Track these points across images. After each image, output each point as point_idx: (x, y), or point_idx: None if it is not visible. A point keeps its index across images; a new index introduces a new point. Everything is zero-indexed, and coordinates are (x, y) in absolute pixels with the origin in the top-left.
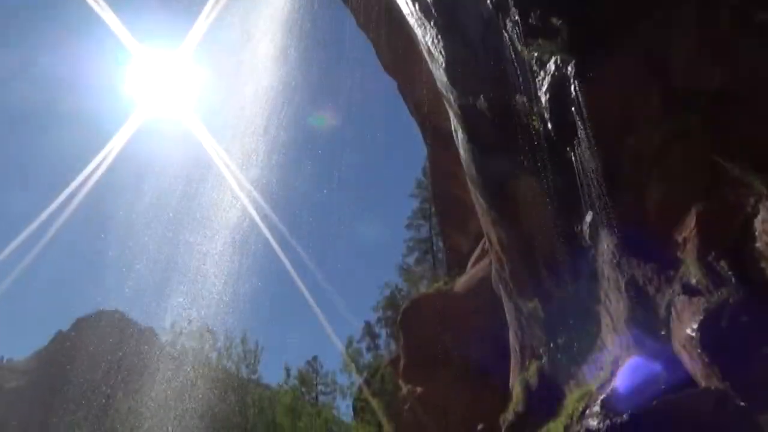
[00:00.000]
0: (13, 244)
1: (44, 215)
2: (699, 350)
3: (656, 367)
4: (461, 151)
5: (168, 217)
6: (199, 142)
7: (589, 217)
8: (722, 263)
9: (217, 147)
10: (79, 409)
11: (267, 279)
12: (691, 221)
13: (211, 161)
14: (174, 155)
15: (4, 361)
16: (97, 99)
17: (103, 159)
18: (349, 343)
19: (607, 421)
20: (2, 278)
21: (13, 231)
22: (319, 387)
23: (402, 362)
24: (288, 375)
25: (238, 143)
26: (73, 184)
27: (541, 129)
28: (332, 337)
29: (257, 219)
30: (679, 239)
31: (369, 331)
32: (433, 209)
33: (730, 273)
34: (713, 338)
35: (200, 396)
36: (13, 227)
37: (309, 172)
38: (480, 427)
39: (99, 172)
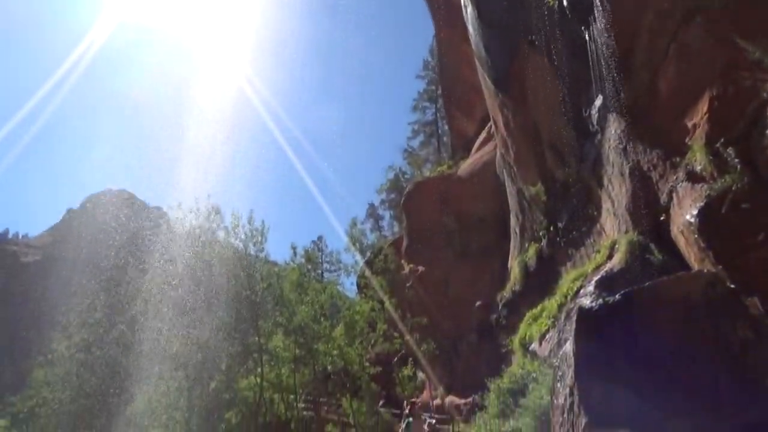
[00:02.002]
0: (17, 117)
1: (47, 87)
2: (696, 235)
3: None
4: (470, 28)
5: (171, 98)
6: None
7: (598, 101)
8: (730, 150)
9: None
10: (94, 282)
11: (272, 163)
12: (703, 106)
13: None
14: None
15: (20, 237)
16: None
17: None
18: (353, 224)
19: (600, 301)
20: (8, 153)
21: (14, 106)
22: (325, 265)
23: (404, 243)
24: (294, 253)
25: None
26: (72, 58)
27: (555, 5)
28: (337, 218)
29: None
30: (689, 124)
31: (373, 212)
32: (439, 91)
33: (736, 160)
34: (711, 224)
35: (210, 272)
36: (14, 102)
37: (311, 54)
38: (478, 304)
39: (98, 44)
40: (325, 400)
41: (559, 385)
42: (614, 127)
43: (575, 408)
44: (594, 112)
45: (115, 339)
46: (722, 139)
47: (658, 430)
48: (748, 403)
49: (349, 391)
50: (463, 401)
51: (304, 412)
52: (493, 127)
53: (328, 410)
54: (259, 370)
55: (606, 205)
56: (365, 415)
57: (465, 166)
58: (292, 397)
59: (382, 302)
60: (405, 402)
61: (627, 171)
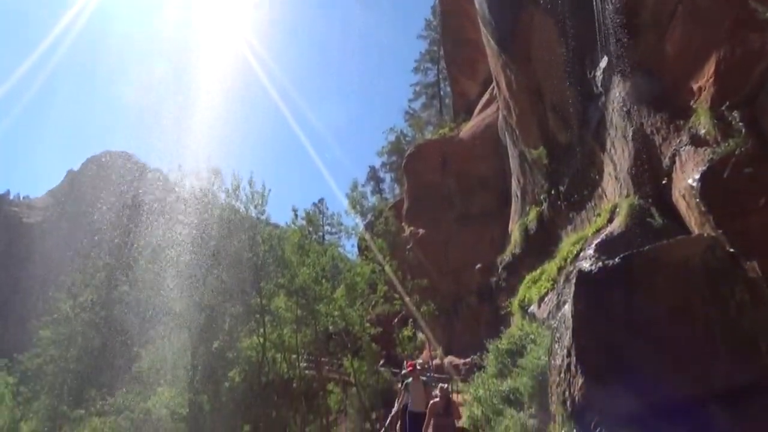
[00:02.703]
0: (16, 78)
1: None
2: (697, 199)
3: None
4: None
5: (173, 61)
6: None
7: (603, 62)
8: (735, 113)
9: None
10: (95, 243)
11: (272, 126)
12: (709, 68)
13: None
14: None
15: (21, 198)
16: None
17: None
18: (353, 187)
19: (600, 264)
20: (8, 113)
21: (13, 67)
22: (326, 228)
23: (405, 205)
24: (296, 216)
25: None
26: (69, 19)
27: None
28: (337, 181)
29: (259, 69)
30: (694, 87)
31: (373, 175)
32: (441, 52)
33: (741, 124)
34: (713, 188)
35: (211, 233)
36: (13, 63)
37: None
38: (478, 267)
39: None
40: (327, 360)
41: (556, 346)
42: (619, 90)
43: (572, 368)
44: (598, 73)
45: (118, 299)
46: (728, 103)
47: (653, 391)
48: (742, 365)
49: (349, 351)
50: (461, 361)
51: (306, 371)
52: (495, 88)
53: (330, 369)
54: (262, 330)
55: (608, 168)
56: (366, 374)
57: (467, 129)
58: (294, 356)
59: (382, 264)
60: (405, 362)
61: (630, 134)
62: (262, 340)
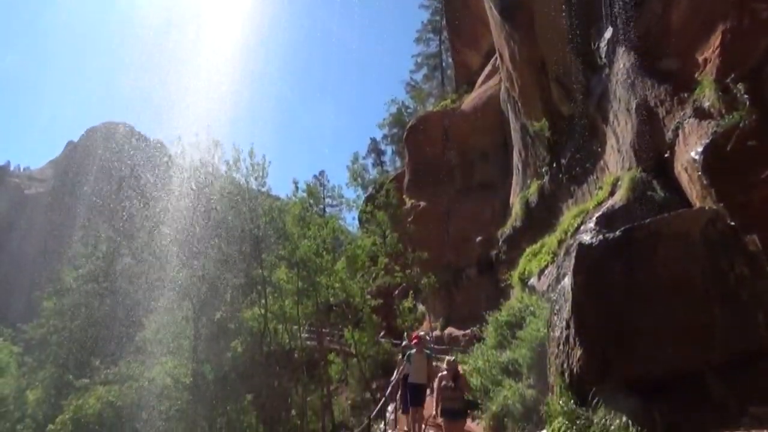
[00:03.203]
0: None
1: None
2: (699, 173)
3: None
4: None
5: (173, 32)
6: None
7: (608, 33)
8: (740, 86)
9: None
10: (98, 214)
11: (273, 98)
12: (715, 40)
13: None
14: None
15: (21, 169)
16: None
17: None
18: (354, 159)
19: (600, 237)
20: (7, 84)
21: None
22: (327, 200)
23: (406, 178)
24: (296, 188)
25: None
26: None
27: None
28: (338, 154)
29: (260, 41)
30: (700, 59)
31: (374, 147)
32: (443, 22)
33: (746, 96)
34: (716, 161)
35: (213, 205)
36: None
37: None
38: (479, 239)
39: None
40: (328, 331)
41: (556, 318)
42: (623, 61)
43: (571, 340)
44: (603, 44)
45: (121, 270)
46: (733, 75)
47: (650, 361)
48: (739, 338)
49: (350, 323)
50: (461, 333)
51: (307, 342)
52: (498, 60)
53: (331, 340)
54: (263, 301)
55: (610, 141)
56: (366, 345)
57: (468, 101)
58: (295, 327)
59: (383, 237)
60: (405, 333)
61: (633, 106)
62: (263, 311)
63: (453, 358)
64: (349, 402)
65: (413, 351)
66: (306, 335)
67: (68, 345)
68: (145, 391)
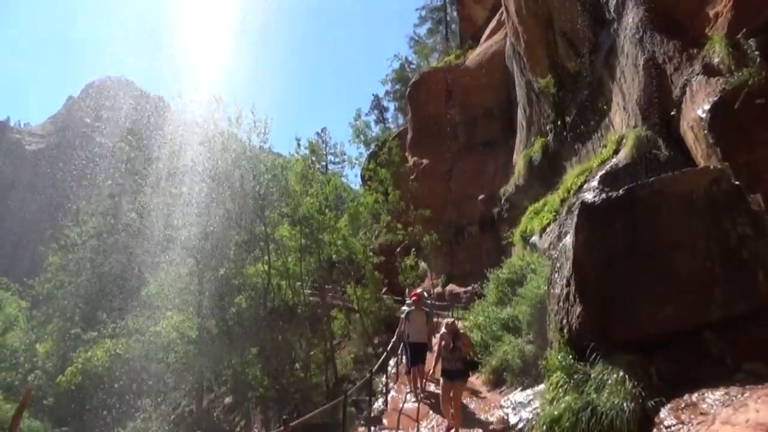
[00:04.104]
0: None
1: None
2: (705, 131)
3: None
4: None
5: None
6: None
7: None
8: (751, 42)
9: None
10: (100, 170)
11: (274, 53)
12: None
13: None
14: None
15: (22, 125)
16: None
17: None
18: (357, 116)
19: (603, 196)
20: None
21: None
22: (329, 157)
23: (409, 135)
24: (299, 145)
25: None
26: None
27: None
28: (341, 110)
29: None
30: (711, 13)
31: (377, 104)
32: None
33: (756, 53)
34: (723, 119)
35: (214, 162)
36: None
37: None
38: (481, 197)
39: None
40: (330, 287)
41: (556, 275)
42: (632, 16)
43: (571, 297)
44: None
45: (125, 226)
46: (744, 30)
47: (650, 319)
48: (739, 296)
49: (353, 279)
50: (462, 290)
51: (310, 298)
52: (504, 13)
53: (333, 296)
54: (266, 258)
55: (616, 98)
56: (368, 302)
57: (473, 56)
58: (298, 283)
59: (385, 194)
60: (407, 290)
61: (641, 63)
62: (267, 267)
63: (452, 319)
64: (352, 356)
65: (412, 309)
66: (309, 291)
67: (75, 299)
68: (152, 344)
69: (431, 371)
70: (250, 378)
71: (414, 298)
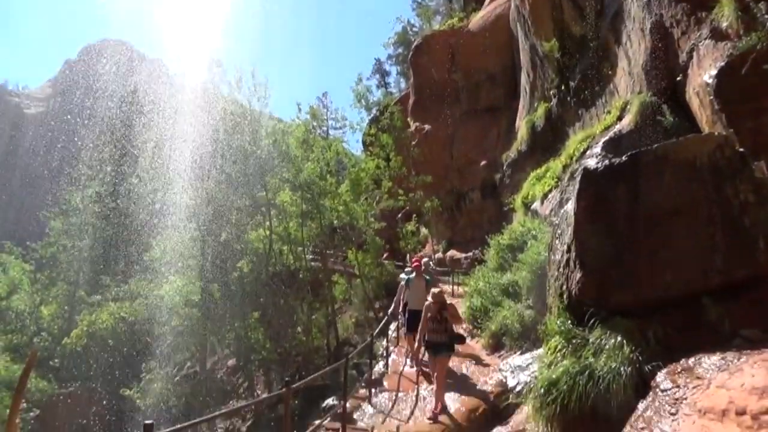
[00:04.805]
0: None
1: None
2: (711, 97)
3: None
4: None
5: None
6: None
7: None
8: (761, 5)
9: None
10: (100, 134)
11: (275, 16)
12: None
13: None
14: None
15: (20, 88)
16: None
17: None
18: (358, 81)
19: (606, 162)
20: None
21: None
22: (330, 122)
23: (411, 100)
24: (299, 110)
25: None
26: None
27: None
28: (342, 74)
29: None
30: None
31: (379, 68)
32: None
33: (766, 17)
34: (729, 85)
35: (215, 126)
36: None
37: None
38: (483, 163)
39: None
40: (332, 252)
41: (557, 242)
42: None
43: (571, 263)
44: None
45: (126, 191)
46: None
47: (649, 286)
48: (738, 263)
49: (354, 245)
50: (463, 255)
51: (312, 263)
52: None
53: (335, 261)
54: (268, 223)
55: (622, 63)
56: (369, 267)
57: (477, 19)
58: (300, 249)
59: (387, 160)
60: (408, 255)
61: (648, 26)
62: (268, 232)
63: (439, 289)
64: (353, 320)
65: (413, 276)
66: (310, 257)
67: (78, 263)
68: (156, 308)
69: (418, 344)
70: (253, 341)
71: (415, 265)
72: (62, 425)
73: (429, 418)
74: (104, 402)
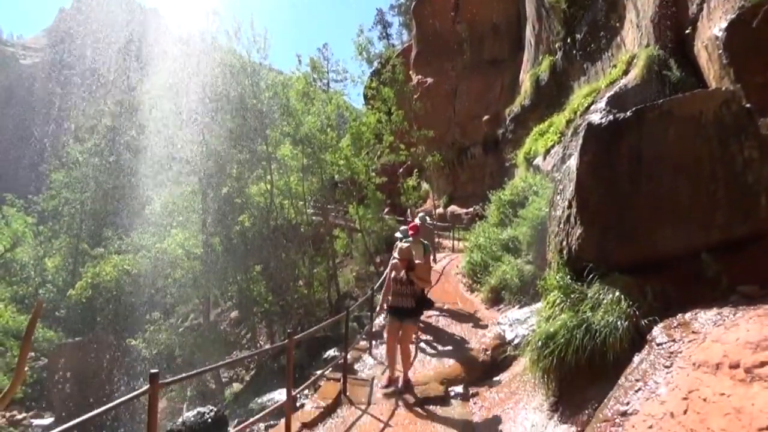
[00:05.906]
0: None
1: None
2: (720, 51)
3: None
4: None
5: None
6: None
7: None
8: None
9: None
10: (98, 86)
11: None
12: None
13: None
14: None
15: (15, 38)
16: None
17: None
18: (359, 32)
19: (610, 117)
20: None
21: None
22: (331, 75)
23: (414, 52)
24: (299, 62)
25: None
26: None
27: None
28: (343, 25)
29: None
30: None
31: (381, 19)
32: None
33: None
34: (739, 39)
35: (213, 78)
36: None
37: None
38: (486, 118)
39: None
40: (333, 207)
41: (558, 197)
42: None
43: (572, 219)
44: None
45: (126, 144)
46: None
47: (649, 240)
48: (739, 219)
49: (355, 199)
50: (464, 211)
51: (313, 217)
52: None
53: (336, 216)
54: (269, 177)
55: (630, 15)
56: (370, 221)
57: None
58: (301, 203)
59: (388, 113)
60: (408, 210)
61: None
62: (269, 186)
63: (407, 244)
64: (354, 274)
65: (410, 241)
66: (311, 211)
67: (80, 216)
68: (158, 260)
69: (379, 308)
70: (255, 294)
71: (412, 231)
72: (69, 373)
73: (385, 392)
74: (110, 351)
